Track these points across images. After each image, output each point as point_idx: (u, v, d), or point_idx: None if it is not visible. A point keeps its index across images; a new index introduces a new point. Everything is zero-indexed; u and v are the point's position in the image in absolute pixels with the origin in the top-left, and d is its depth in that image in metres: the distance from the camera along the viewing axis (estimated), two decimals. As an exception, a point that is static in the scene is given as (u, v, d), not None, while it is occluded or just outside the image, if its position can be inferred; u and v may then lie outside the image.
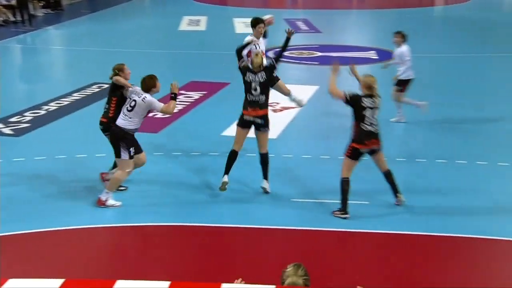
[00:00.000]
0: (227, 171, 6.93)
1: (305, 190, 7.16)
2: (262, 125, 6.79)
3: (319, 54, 14.89)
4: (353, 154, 6.33)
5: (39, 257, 5.73)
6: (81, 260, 5.72)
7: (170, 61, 15.11)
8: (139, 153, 6.76)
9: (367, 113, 6.17)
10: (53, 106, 10.66)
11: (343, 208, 6.39)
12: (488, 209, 6.67)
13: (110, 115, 6.85)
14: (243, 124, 6.86)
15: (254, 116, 6.76)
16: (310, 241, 6.14)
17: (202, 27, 19.97)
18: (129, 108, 6.58)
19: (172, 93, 6.70)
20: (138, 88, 6.70)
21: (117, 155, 6.62)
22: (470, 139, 8.94)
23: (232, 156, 6.93)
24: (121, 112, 6.65)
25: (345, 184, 6.36)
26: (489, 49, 16.04)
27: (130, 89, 6.70)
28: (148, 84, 6.64)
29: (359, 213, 6.52)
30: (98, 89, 11.74)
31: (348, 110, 6.47)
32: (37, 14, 22.04)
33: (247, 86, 6.75)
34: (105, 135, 6.95)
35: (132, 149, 6.59)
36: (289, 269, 3.38)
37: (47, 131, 9.41)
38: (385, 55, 15.27)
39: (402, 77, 9.35)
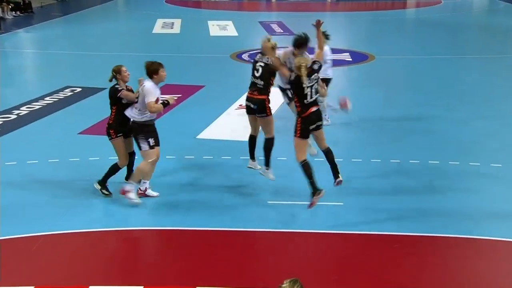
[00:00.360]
0: (251, 156, 7.19)
1: (282, 192, 7.13)
2: (257, 111, 6.87)
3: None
4: (303, 132, 6.33)
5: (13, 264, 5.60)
6: (60, 266, 5.60)
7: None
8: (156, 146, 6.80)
9: (307, 91, 6.31)
10: (24, 110, 10.47)
11: (314, 190, 6.33)
12: (463, 209, 6.74)
13: (110, 121, 6.84)
14: (246, 110, 7.07)
15: (250, 97, 6.87)
16: (288, 242, 6.10)
17: (176, 30, 19.87)
18: (136, 100, 6.67)
19: (166, 100, 6.74)
20: (144, 81, 6.69)
21: (139, 147, 6.73)
22: (442, 139, 9.03)
23: (251, 141, 7.14)
24: (133, 108, 6.66)
25: (306, 167, 6.35)
26: (460, 51, 16.28)
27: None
28: (148, 68, 6.70)
29: (333, 214, 6.52)
30: (71, 93, 11.58)
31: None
32: (7, 17, 21.70)
33: (253, 66, 6.92)
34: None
35: (151, 140, 6.68)
36: (285, 284, 3.31)
37: (18, 136, 9.22)
38: (358, 57, 15.41)
39: (322, 75, 9.37)
